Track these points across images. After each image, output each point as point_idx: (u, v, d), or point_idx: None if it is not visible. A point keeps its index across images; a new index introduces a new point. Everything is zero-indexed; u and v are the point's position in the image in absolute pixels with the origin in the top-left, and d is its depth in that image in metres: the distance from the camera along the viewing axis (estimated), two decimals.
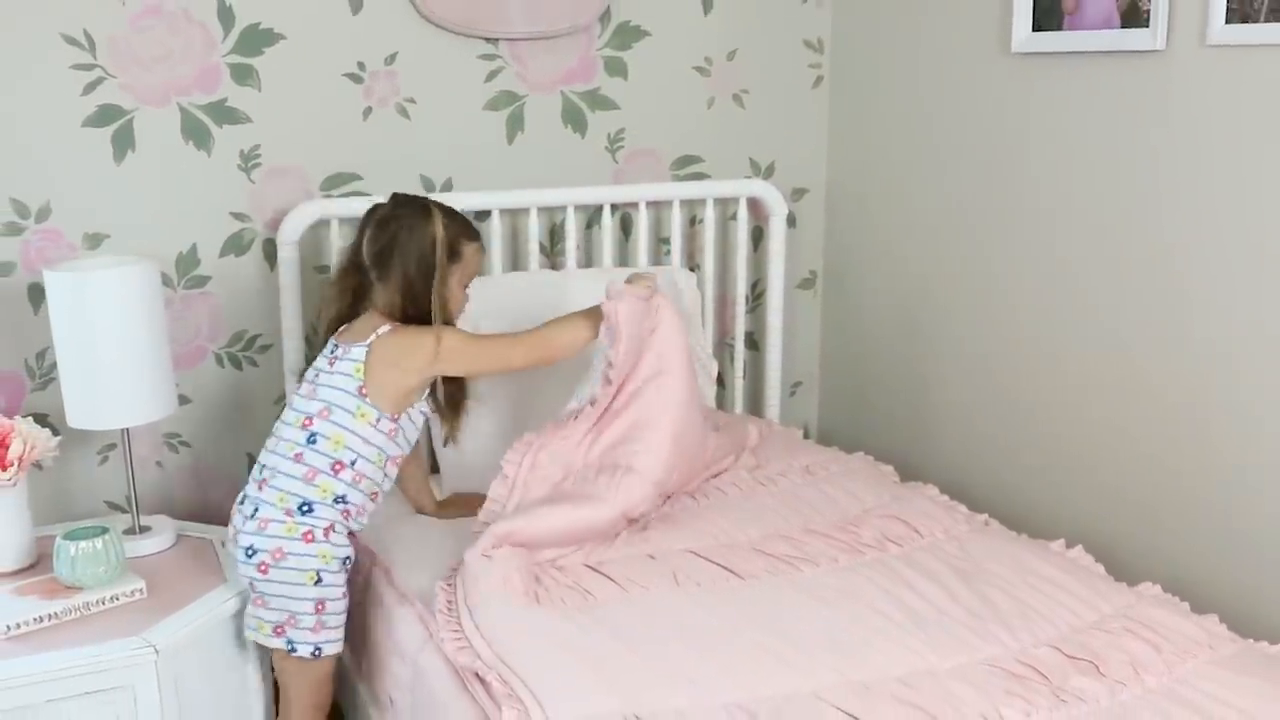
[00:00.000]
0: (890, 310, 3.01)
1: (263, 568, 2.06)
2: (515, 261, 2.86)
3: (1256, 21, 2.03)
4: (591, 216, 2.92)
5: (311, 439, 2.09)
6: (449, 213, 2.22)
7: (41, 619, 2.02)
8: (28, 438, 2.19)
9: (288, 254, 2.56)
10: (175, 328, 2.56)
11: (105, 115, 2.48)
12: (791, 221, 3.12)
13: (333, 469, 2.09)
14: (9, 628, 1.99)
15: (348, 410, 2.10)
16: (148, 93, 2.50)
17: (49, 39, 2.41)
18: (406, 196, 2.24)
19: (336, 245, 2.60)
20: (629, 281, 2.27)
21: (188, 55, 2.51)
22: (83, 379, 2.21)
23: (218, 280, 2.63)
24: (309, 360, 2.67)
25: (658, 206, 2.95)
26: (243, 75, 2.57)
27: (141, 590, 2.12)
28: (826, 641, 1.89)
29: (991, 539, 2.29)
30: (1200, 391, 2.23)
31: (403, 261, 2.14)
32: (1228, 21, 2.07)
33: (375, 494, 2.18)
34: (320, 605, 2.09)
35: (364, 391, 2.11)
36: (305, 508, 2.07)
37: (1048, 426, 2.58)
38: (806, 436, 3.24)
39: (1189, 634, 1.91)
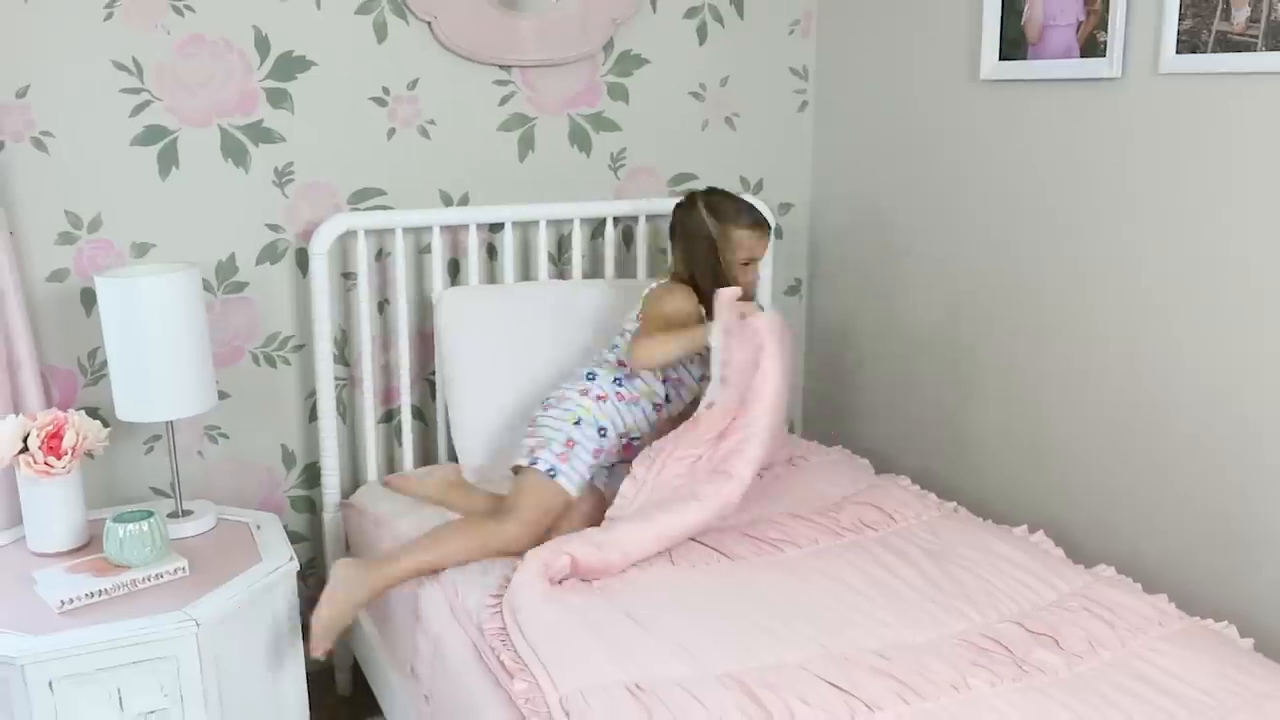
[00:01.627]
0: (868, 315, 3.02)
1: (546, 405, 2.38)
2: (526, 270, 2.87)
3: (1204, 52, 2.03)
4: (596, 229, 2.92)
5: (613, 346, 2.47)
6: (714, 206, 2.47)
7: (93, 594, 2.02)
8: (80, 429, 2.19)
9: (318, 262, 2.56)
10: (215, 329, 2.56)
11: (152, 135, 2.48)
12: (779, 233, 3.13)
13: (618, 362, 2.42)
14: (63, 602, 1.99)
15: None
16: (191, 114, 2.51)
17: (101, 66, 2.41)
18: (689, 193, 2.53)
19: (363, 254, 2.61)
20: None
21: (227, 80, 2.52)
22: (131, 376, 2.22)
23: (254, 286, 2.64)
24: (338, 359, 2.70)
25: (656, 219, 2.95)
26: (277, 99, 2.57)
27: (184, 568, 2.13)
28: (809, 617, 1.90)
29: (960, 524, 2.30)
30: (1154, 391, 2.24)
31: (681, 243, 2.49)
32: (1178, 52, 2.07)
33: (659, 405, 2.41)
34: (570, 443, 2.30)
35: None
36: (590, 375, 2.40)
37: (1012, 422, 2.58)
38: (791, 430, 3.25)
39: (1140, 612, 1.92)
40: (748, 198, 2.59)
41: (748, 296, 2.40)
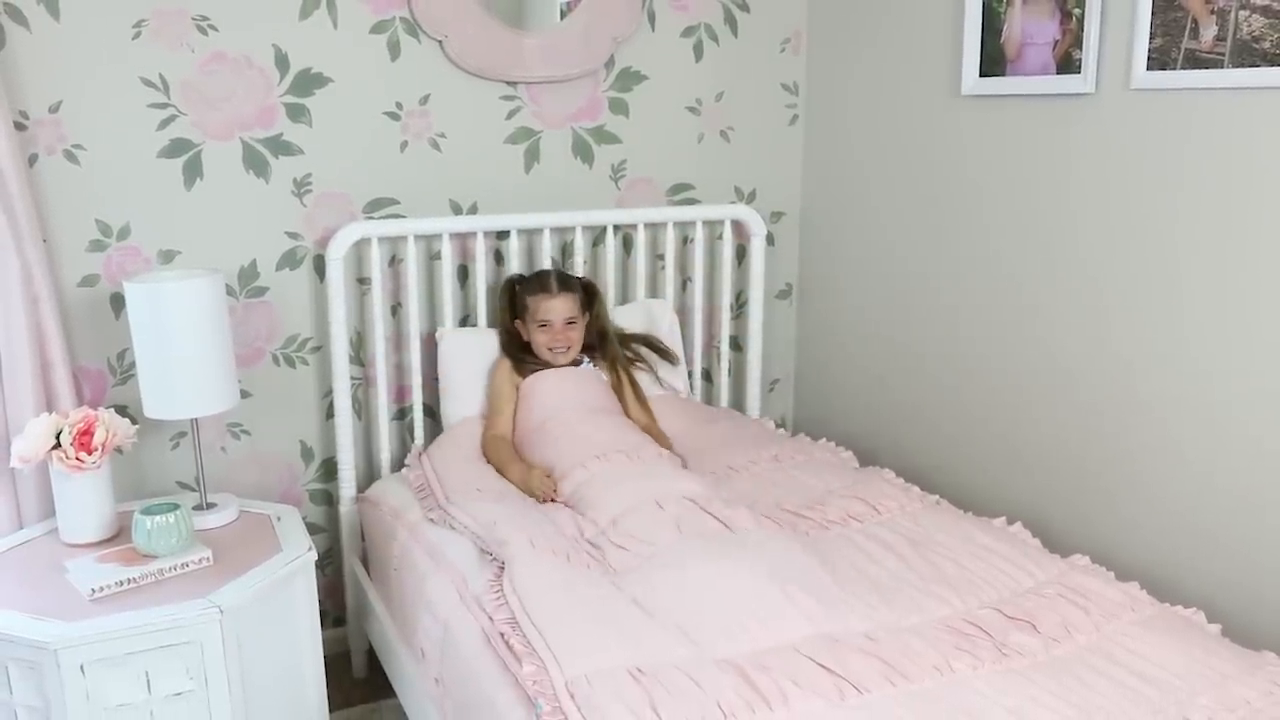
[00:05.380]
0: (855, 317, 3.01)
1: None
2: None
3: (1173, 69, 2.03)
4: (597, 236, 2.92)
5: None
6: (516, 281, 2.67)
7: (122, 583, 2.02)
8: (110, 426, 2.19)
9: (335, 268, 2.55)
10: (237, 331, 2.56)
11: (177, 148, 2.48)
12: (770, 240, 3.12)
13: None
14: (94, 590, 1.99)
15: None
16: (214, 128, 2.50)
17: (129, 82, 2.41)
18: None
19: (377, 260, 2.61)
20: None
21: (249, 96, 2.51)
22: (157, 375, 2.21)
23: (274, 290, 2.63)
24: (354, 359, 2.69)
25: (654, 228, 2.95)
26: (296, 113, 2.57)
27: (208, 558, 2.12)
28: (801, 603, 1.89)
29: (942, 516, 2.29)
30: (1125, 392, 2.23)
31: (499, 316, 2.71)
32: (1148, 69, 2.07)
33: None
34: None
35: None
36: None
37: (991, 419, 2.58)
38: (782, 426, 3.24)
39: (1114, 598, 1.91)
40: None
41: (554, 348, 2.58)
